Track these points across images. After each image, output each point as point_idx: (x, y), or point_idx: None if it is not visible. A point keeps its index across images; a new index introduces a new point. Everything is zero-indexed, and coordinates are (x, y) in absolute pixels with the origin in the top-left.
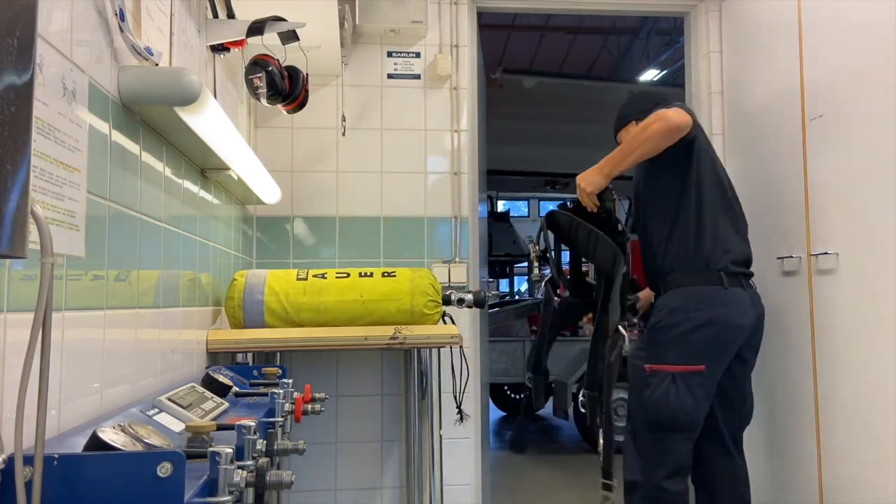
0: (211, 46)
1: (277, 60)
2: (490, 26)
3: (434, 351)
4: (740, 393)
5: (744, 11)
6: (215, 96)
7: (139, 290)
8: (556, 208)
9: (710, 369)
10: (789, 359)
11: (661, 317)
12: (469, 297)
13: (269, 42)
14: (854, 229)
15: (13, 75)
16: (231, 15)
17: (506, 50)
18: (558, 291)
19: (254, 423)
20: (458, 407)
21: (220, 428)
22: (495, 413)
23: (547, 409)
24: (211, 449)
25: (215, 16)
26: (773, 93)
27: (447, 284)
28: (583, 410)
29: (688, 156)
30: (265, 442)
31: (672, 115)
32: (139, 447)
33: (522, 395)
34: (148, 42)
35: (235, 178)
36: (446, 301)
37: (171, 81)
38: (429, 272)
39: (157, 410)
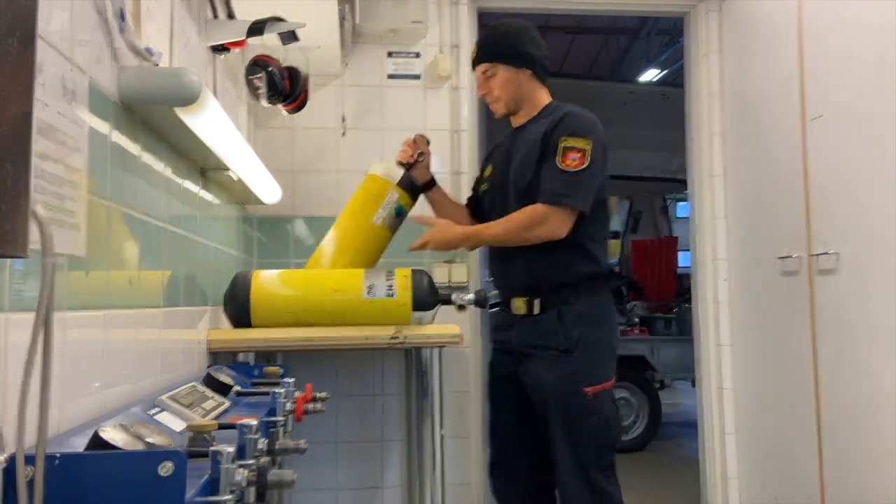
0: (211, 47)
1: (277, 61)
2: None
3: (434, 350)
4: None
5: (744, 11)
6: (215, 96)
7: (140, 289)
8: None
9: None
10: (789, 359)
11: (587, 331)
12: (470, 296)
13: (269, 42)
14: (854, 229)
15: (13, 75)
16: (231, 15)
17: None
18: None
19: (255, 423)
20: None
21: (222, 427)
22: None
23: None
24: (212, 448)
25: (215, 16)
26: (773, 93)
27: (447, 284)
28: None
29: None
30: (266, 441)
31: (558, 229)
32: (140, 446)
33: None
34: (148, 42)
35: (235, 178)
36: (446, 301)
37: (171, 81)
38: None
39: (158, 410)
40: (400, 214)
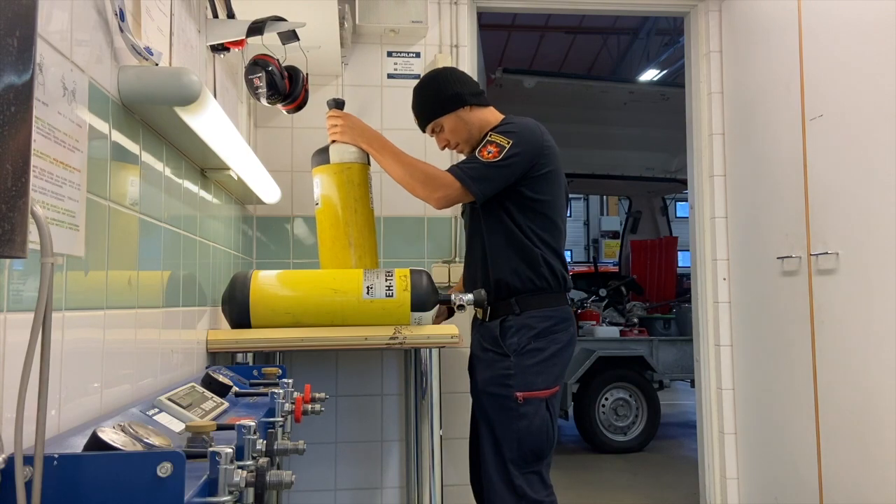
0: (211, 46)
1: (277, 60)
2: (490, 26)
3: (434, 351)
4: None
5: (744, 11)
6: (215, 96)
7: (139, 290)
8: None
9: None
10: (789, 359)
11: (526, 340)
12: (469, 297)
13: (269, 42)
14: (854, 229)
15: (13, 75)
16: (231, 15)
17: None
18: None
19: (254, 423)
20: None
21: (220, 428)
22: None
23: None
24: (211, 449)
25: (215, 16)
26: (773, 93)
27: (447, 284)
28: None
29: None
30: (265, 442)
31: (442, 200)
32: (139, 447)
33: None
34: (148, 42)
35: (235, 177)
36: (445, 302)
37: (171, 81)
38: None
39: (157, 410)
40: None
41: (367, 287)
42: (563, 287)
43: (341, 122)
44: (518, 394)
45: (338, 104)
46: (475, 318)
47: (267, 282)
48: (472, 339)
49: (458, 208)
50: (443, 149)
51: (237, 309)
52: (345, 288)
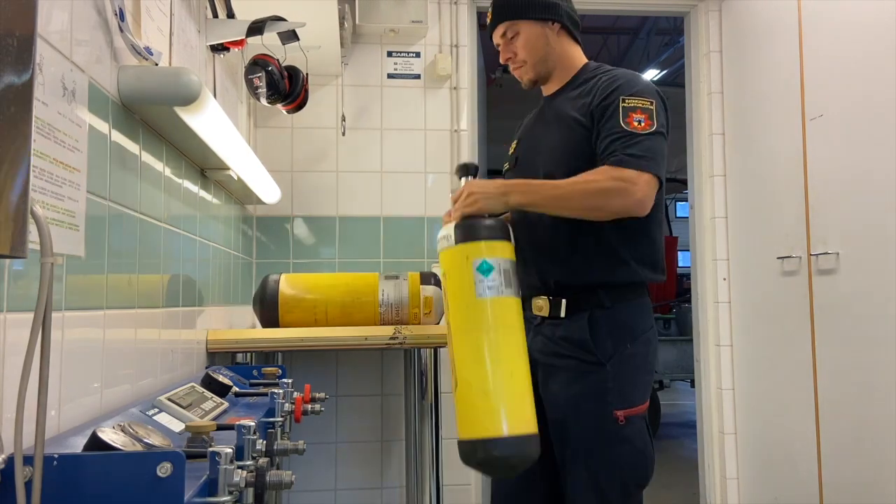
0: (211, 46)
1: (277, 60)
2: None
3: (434, 351)
4: None
5: (744, 11)
6: (215, 96)
7: (139, 289)
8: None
9: None
10: (789, 359)
11: (624, 343)
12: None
13: (269, 42)
14: (854, 229)
15: (13, 75)
16: (231, 15)
17: None
18: None
19: (253, 423)
20: None
21: (220, 428)
22: None
23: None
24: (211, 449)
25: (215, 16)
26: (773, 93)
27: None
28: None
29: None
30: (265, 442)
31: (644, 201)
32: (139, 447)
33: None
34: (148, 42)
35: (235, 177)
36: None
37: (170, 81)
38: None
39: (156, 410)
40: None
41: (382, 290)
42: (649, 282)
43: (478, 205)
44: (618, 412)
45: (469, 171)
46: (529, 315)
47: (294, 284)
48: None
49: None
50: (504, 62)
51: (268, 310)
52: (364, 291)
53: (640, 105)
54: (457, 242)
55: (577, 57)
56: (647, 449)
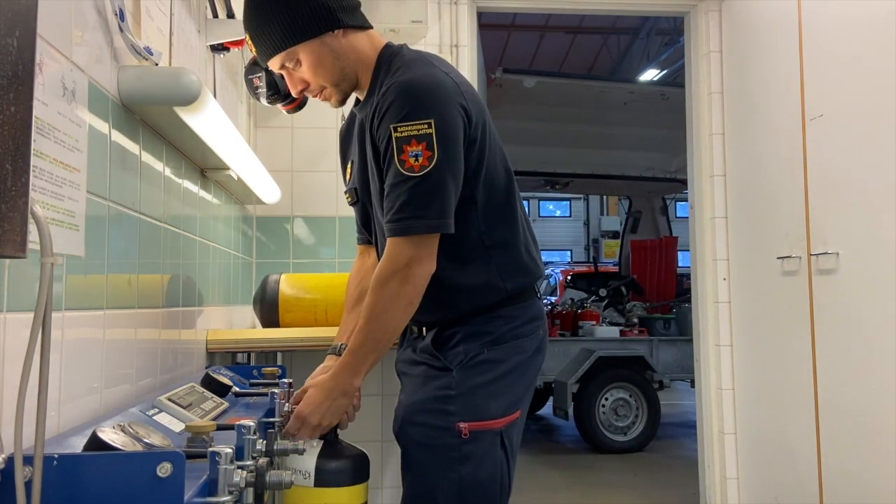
0: (211, 46)
1: None
2: (490, 26)
3: None
4: None
5: (744, 11)
6: (215, 96)
7: (139, 289)
8: None
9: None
10: (789, 359)
11: (478, 347)
12: None
13: None
14: (854, 229)
15: (13, 76)
16: (231, 15)
17: (506, 50)
18: None
19: (253, 423)
20: None
21: (220, 428)
22: None
23: (547, 408)
24: (211, 449)
25: (215, 16)
26: (773, 93)
27: None
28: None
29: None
30: (265, 442)
31: (424, 267)
32: (139, 447)
33: None
34: (148, 42)
35: (235, 177)
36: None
37: (170, 81)
38: None
39: (156, 410)
40: None
41: None
42: (529, 286)
43: (318, 422)
44: (461, 424)
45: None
46: (410, 329)
47: (294, 284)
48: (398, 353)
49: None
50: (299, 94)
51: (267, 310)
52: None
53: (415, 132)
54: (316, 485)
55: (372, 47)
56: (497, 472)
